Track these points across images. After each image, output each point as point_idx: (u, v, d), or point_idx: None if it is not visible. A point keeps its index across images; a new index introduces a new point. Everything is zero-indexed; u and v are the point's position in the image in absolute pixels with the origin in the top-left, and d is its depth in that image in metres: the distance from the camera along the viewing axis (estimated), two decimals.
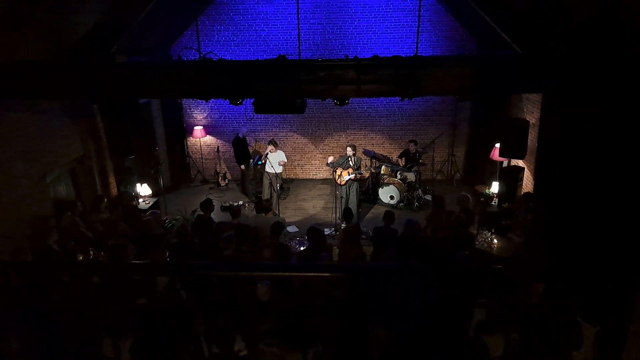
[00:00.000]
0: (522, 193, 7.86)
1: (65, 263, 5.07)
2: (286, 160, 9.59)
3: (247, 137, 10.74)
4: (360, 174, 8.78)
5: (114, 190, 8.46)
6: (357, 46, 10.47)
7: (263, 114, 10.62)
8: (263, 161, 9.30)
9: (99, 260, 5.88)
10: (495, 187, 8.34)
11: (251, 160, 10.59)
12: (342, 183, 8.79)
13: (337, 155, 9.60)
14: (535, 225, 6.19)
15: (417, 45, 6.44)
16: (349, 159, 8.63)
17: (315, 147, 11.64)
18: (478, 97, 5.14)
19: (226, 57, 8.71)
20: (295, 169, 11.92)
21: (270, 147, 9.09)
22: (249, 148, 10.85)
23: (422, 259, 5.75)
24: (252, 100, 5.46)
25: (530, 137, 7.00)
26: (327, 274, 4.07)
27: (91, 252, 6.06)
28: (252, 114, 5.92)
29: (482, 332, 4.49)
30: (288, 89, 4.95)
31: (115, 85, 5.26)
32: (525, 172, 8.22)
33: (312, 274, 4.07)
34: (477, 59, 5.30)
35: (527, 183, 8.23)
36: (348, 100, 5.28)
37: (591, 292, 3.95)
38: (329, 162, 8.84)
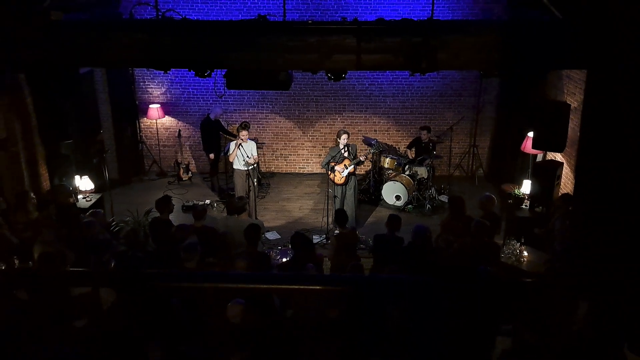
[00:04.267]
0: (560, 194, 7.96)
1: None
2: (256, 155, 9.17)
3: (219, 119, 10.71)
4: (360, 163, 8.79)
5: (45, 183, 8.41)
6: (357, 6, 10.49)
7: (237, 90, 10.72)
8: (232, 153, 8.89)
9: (26, 271, 5.85)
10: (526, 187, 8.42)
11: (225, 148, 10.57)
12: (342, 182, 8.80)
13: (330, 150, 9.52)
14: (574, 234, 6.27)
15: (432, 7, 6.49)
16: (343, 149, 8.65)
17: (304, 133, 11.67)
18: (507, 73, 5.19)
19: (191, 17, 8.69)
20: (277, 160, 11.93)
21: (244, 134, 8.89)
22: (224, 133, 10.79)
23: (434, 275, 5.81)
24: (223, 72, 5.46)
25: (571, 124, 7.07)
26: (318, 287, 4.10)
27: (16, 261, 6.02)
28: (224, 89, 5.91)
29: None
30: (269, 58, 4.96)
31: (48, 50, 5.22)
32: (564, 168, 8.32)
33: (299, 287, 4.10)
34: (508, 24, 5.37)
35: (567, 182, 8.33)
36: (345, 74, 5.31)
37: None
38: (323, 163, 8.83)
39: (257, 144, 9.80)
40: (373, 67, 5.09)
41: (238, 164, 8.99)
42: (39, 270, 5.43)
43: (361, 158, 8.68)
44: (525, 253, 6.72)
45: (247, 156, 8.84)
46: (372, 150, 9.51)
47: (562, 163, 8.30)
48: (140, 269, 5.71)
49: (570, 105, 7.19)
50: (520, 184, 8.64)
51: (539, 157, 9.03)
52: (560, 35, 5.06)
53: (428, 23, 4.92)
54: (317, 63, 4.99)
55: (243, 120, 10.90)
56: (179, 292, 4.85)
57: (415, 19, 5.07)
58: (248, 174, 8.86)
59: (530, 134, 7.99)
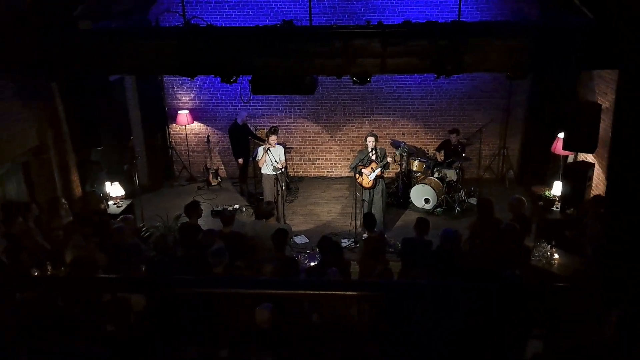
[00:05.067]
0: (592, 196, 7.81)
1: (17, 279, 5.19)
2: (284, 160, 9.24)
3: (247, 124, 10.82)
4: (387, 167, 8.78)
5: (77, 189, 8.59)
6: (384, 9, 10.50)
7: (263, 95, 10.82)
8: (261, 158, 8.95)
9: (58, 277, 6.00)
10: (557, 189, 8.30)
11: (253, 153, 10.65)
12: (369, 185, 8.80)
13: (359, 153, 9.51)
14: (607, 236, 6.16)
15: (459, 8, 6.43)
16: (371, 152, 8.65)
17: (331, 137, 11.70)
18: (537, 74, 5.14)
19: (218, 23, 8.83)
20: (305, 164, 12.00)
21: (273, 138, 8.94)
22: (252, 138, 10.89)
23: (464, 279, 5.77)
24: (249, 78, 5.53)
25: (602, 125, 6.95)
26: (349, 293, 4.11)
27: (49, 267, 6.17)
28: (250, 94, 6.00)
29: None
30: (294, 63, 5.01)
31: (79, 59, 5.37)
32: (595, 169, 8.17)
33: (327, 292, 4.12)
34: (537, 27, 5.31)
35: (598, 183, 8.17)
36: (370, 78, 5.32)
37: None
38: (351, 166, 8.84)
39: (285, 148, 9.88)
40: (398, 71, 5.10)
41: (266, 169, 9.05)
42: (71, 275, 5.56)
43: (388, 159, 8.66)
44: (556, 256, 6.62)
45: (276, 161, 8.87)
46: (398, 153, 9.48)
47: (594, 164, 8.15)
48: (169, 274, 5.82)
49: (601, 105, 7.07)
50: (551, 186, 8.52)
51: (570, 159, 8.88)
52: (591, 36, 4.99)
53: (453, 25, 4.91)
54: (341, 67, 5.03)
55: (271, 124, 11.00)
56: (206, 296, 4.91)
57: (443, 20, 5.06)
58: (276, 178, 8.91)
59: (561, 135, 7.88)
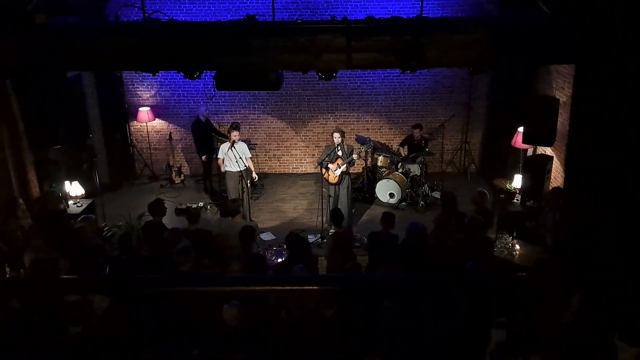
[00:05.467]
0: (551, 188, 8.03)
1: None
2: (250, 156, 9.30)
3: (210, 120, 10.71)
4: (352, 164, 8.84)
5: (35, 189, 8.38)
6: (346, 4, 10.53)
7: (227, 91, 10.72)
8: (220, 158, 8.94)
9: (18, 279, 5.85)
10: (518, 181, 8.50)
11: (217, 149, 10.56)
12: (335, 181, 8.83)
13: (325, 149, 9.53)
14: (565, 227, 6.35)
15: (421, 4, 6.52)
16: (337, 147, 8.69)
17: (296, 133, 11.69)
18: (497, 69, 5.25)
19: (179, 18, 8.69)
20: (270, 161, 11.96)
21: (235, 134, 8.86)
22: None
23: (429, 271, 5.87)
24: (212, 74, 5.47)
25: (560, 118, 7.16)
26: (314, 287, 4.14)
27: (7, 269, 6.01)
28: (214, 90, 5.94)
29: (501, 357, 4.62)
30: (259, 59, 4.98)
31: (34, 54, 5.21)
32: (554, 162, 8.40)
33: (294, 288, 4.13)
34: (496, 21, 5.42)
35: (557, 176, 8.40)
36: (336, 73, 5.33)
37: (632, 307, 4.09)
38: (318, 161, 8.86)
39: (249, 144, 9.82)
40: (363, 66, 5.12)
41: (230, 166, 8.98)
42: (31, 277, 5.43)
43: (354, 156, 8.71)
44: (518, 247, 6.80)
45: (239, 157, 8.84)
46: (364, 149, 9.53)
47: (552, 157, 8.38)
48: (134, 274, 5.73)
49: (559, 99, 7.28)
50: (511, 179, 8.72)
51: (530, 152, 9.10)
52: (548, 30, 5.11)
53: (417, 21, 4.96)
54: (307, 63, 5.02)
55: (234, 121, 10.92)
56: (173, 295, 4.86)
57: (405, 16, 5.11)
58: (241, 175, 8.86)
59: (521, 129, 8.06)
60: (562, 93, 8.11)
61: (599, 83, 5.43)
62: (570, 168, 7.64)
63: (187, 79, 5.37)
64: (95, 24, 5.68)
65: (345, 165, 8.69)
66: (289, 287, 3.97)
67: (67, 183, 8.70)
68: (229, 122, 11.17)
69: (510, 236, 6.91)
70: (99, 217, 8.66)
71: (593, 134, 5.60)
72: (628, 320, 4.23)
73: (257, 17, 5.15)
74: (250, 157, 9.35)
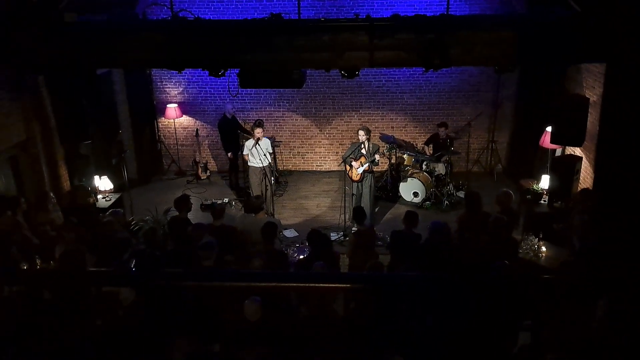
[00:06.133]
0: (579, 189, 7.88)
1: (6, 274, 5.17)
2: (272, 151, 9.48)
3: (236, 117, 10.79)
4: (375, 163, 8.81)
5: (65, 183, 8.56)
6: (372, 2, 10.49)
7: (251, 89, 10.77)
8: (247, 152, 9.10)
9: (48, 271, 5.98)
10: (545, 182, 8.36)
11: (242, 146, 10.64)
12: (357, 178, 8.83)
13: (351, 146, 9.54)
14: (594, 230, 6.21)
15: (447, 1, 6.46)
16: (362, 145, 8.67)
17: (320, 130, 11.70)
18: (524, 68, 5.17)
19: (206, 16, 8.76)
20: (294, 158, 12.00)
21: (258, 131, 9.01)
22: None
23: (452, 271, 5.81)
24: (237, 71, 5.52)
25: (590, 118, 7.00)
26: (338, 285, 4.14)
27: (38, 261, 6.15)
28: (238, 88, 5.98)
29: None
30: (282, 57, 5.01)
31: (65, 52, 5.33)
32: (583, 162, 8.23)
33: (316, 285, 4.14)
34: (523, 19, 5.33)
35: (586, 177, 8.24)
36: (358, 71, 5.32)
37: None
38: (343, 156, 8.88)
39: (274, 142, 9.87)
40: (386, 64, 5.10)
41: (254, 161, 9.07)
42: (61, 269, 5.55)
43: (376, 157, 8.67)
44: (544, 249, 6.69)
45: (264, 154, 8.93)
46: (386, 151, 9.42)
47: (581, 157, 8.21)
48: (158, 268, 5.81)
49: (589, 99, 7.12)
50: (539, 179, 8.59)
51: (558, 152, 8.94)
52: (578, 28, 5.02)
53: (441, 19, 4.92)
54: (329, 61, 5.03)
55: (260, 118, 10.99)
56: (196, 289, 4.92)
57: (431, 14, 5.07)
58: (264, 171, 8.93)
59: (549, 129, 7.91)
60: (593, 92, 7.94)
61: (630, 82, 5.31)
62: (599, 169, 7.45)
63: (213, 77, 5.43)
64: (123, 22, 5.76)
65: (367, 164, 8.66)
66: (308, 284, 3.97)
67: (96, 178, 8.87)
68: (254, 120, 11.26)
69: (536, 238, 6.80)
70: (126, 211, 8.77)
71: (624, 135, 5.47)
72: None
73: (282, 15, 5.18)
74: (270, 153, 9.45)
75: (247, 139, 9.60)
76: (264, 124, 9.47)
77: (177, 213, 7.10)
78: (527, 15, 6.14)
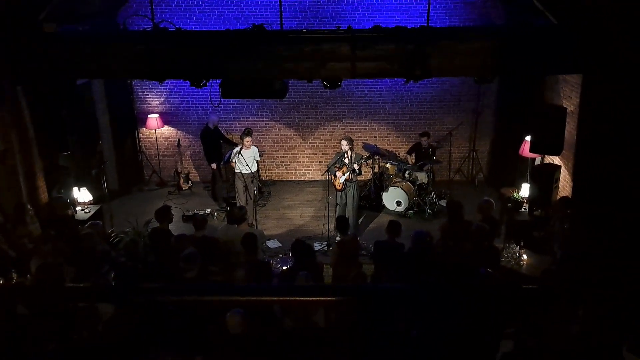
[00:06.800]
0: (559, 197, 7.96)
1: None
2: (259, 159, 9.68)
3: (219, 128, 10.75)
4: (358, 173, 8.82)
5: (43, 195, 8.41)
6: (354, 14, 10.55)
7: (233, 99, 10.77)
8: (233, 160, 9.26)
9: (24, 285, 5.87)
10: (525, 191, 8.44)
11: (225, 156, 10.62)
12: (339, 187, 8.84)
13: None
14: (573, 237, 6.29)
15: (428, 13, 6.50)
16: (344, 155, 8.68)
17: (304, 140, 11.71)
18: (502, 78, 5.23)
19: (188, 27, 8.75)
20: (277, 168, 11.98)
21: (247, 140, 9.14)
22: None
23: (435, 279, 5.82)
24: (219, 82, 5.51)
25: (568, 127, 7.10)
26: (320, 298, 4.11)
27: (14, 275, 6.03)
28: (219, 98, 5.96)
29: None
30: (264, 67, 5.01)
31: (44, 62, 5.28)
32: (562, 171, 8.33)
33: (299, 299, 4.11)
34: (501, 30, 5.42)
35: (565, 185, 8.33)
36: (341, 82, 5.35)
37: None
38: (328, 165, 8.90)
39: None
40: (368, 75, 5.14)
41: (240, 168, 9.19)
42: (37, 283, 5.44)
43: (355, 167, 8.69)
44: (525, 256, 6.75)
45: (246, 164, 8.96)
46: (363, 160, 9.36)
47: (560, 166, 8.30)
48: (139, 281, 5.74)
49: (566, 108, 7.22)
50: (519, 188, 8.66)
51: (537, 161, 9.03)
52: (555, 40, 5.11)
53: (421, 30, 4.97)
54: (311, 71, 5.05)
55: (243, 128, 10.96)
56: (177, 303, 4.86)
57: (412, 25, 5.12)
58: (245, 183, 8.98)
59: (528, 138, 8.01)
60: (570, 102, 8.05)
61: (606, 92, 5.41)
62: (578, 177, 7.57)
63: (194, 87, 5.41)
64: (103, 32, 5.73)
65: (347, 174, 8.69)
66: (291, 298, 3.94)
67: (75, 189, 8.74)
68: (237, 130, 11.26)
69: (517, 246, 6.86)
70: (106, 223, 8.68)
71: (600, 143, 5.58)
72: (637, 332, 4.17)
73: (264, 26, 5.18)
74: (258, 161, 9.62)
75: (231, 149, 9.62)
76: (252, 132, 9.54)
77: (158, 224, 7.02)
78: (506, 27, 6.24)
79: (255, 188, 9.42)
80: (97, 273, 6.04)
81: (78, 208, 8.61)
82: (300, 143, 11.73)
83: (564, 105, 8.04)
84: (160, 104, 11.41)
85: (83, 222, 8.02)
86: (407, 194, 9.83)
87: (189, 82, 5.40)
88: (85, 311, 5.01)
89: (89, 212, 8.58)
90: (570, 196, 7.66)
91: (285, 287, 5.53)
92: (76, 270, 6.07)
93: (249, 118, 11.49)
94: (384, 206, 10.21)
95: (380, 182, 10.69)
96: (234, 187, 9.67)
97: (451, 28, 8.80)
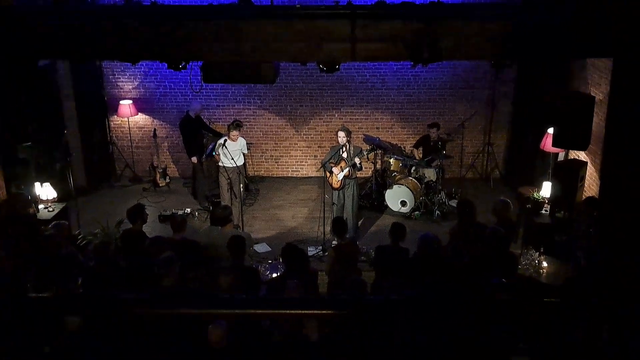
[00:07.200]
0: (584, 197, 8.00)
1: None
2: (247, 152, 9.70)
3: (201, 116, 10.73)
4: (358, 168, 8.83)
5: (1, 192, 8.41)
6: None
7: (217, 84, 10.73)
8: (218, 152, 9.30)
9: None
10: (546, 190, 8.47)
11: (207, 149, 10.61)
12: (337, 185, 8.84)
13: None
14: (600, 242, 6.31)
15: None
16: (342, 148, 8.69)
17: (297, 131, 11.72)
18: (523, 63, 5.24)
19: (164, 1, 8.69)
20: (266, 162, 11.99)
21: (234, 134, 9.18)
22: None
23: (442, 289, 5.85)
24: (199, 64, 5.49)
25: (596, 119, 7.12)
26: (315, 312, 4.11)
27: None
28: (201, 83, 5.95)
29: None
30: (251, 48, 4.99)
31: (1, 41, 5.24)
32: (588, 168, 8.36)
33: (290, 312, 4.11)
34: (521, 8, 5.40)
35: (591, 183, 8.37)
36: (339, 65, 5.34)
37: None
38: (322, 162, 8.90)
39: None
40: (370, 58, 5.13)
41: (225, 161, 9.21)
42: None
43: (356, 161, 8.68)
44: (545, 264, 6.79)
45: (232, 157, 8.98)
46: (365, 152, 9.39)
47: (586, 162, 8.34)
48: (110, 288, 5.75)
49: (594, 97, 7.23)
50: (539, 187, 8.69)
51: (561, 156, 9.06)
52: (582, 19, 5.09)
53: (431, 7, 4.96)
54: (305, 53, 5.03)
55: (227, 117, 10.99)
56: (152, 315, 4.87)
57: (420, 1, 5.11)
58: (230, 179, 9.00)
59: (551, 130, 8.03)
60: (599, 90, 8.08)
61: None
62: (606, 175, 7.59)
63: (172, 70, 5.40)
64: (67, 6, 5.70)
65: (347, 169, 8.68)
66: (281, 311, 3.94)
67: (37, 185, 8.72)
68: (221, 119, 11.27)
69: (537, 252, 6.89)
70: (72, 224, 8.68)
71: (633, 137, 5.57)
72: None
73: (251, 0, 5.17)
74: (245, 154, 9.68)
75: (214, 140, 9.62)
76: (242, 125, 9.58)
77: (131, 225, 7.03)
78: (526, 4, 6.23)
79: (241, 185, 9.42)
80: (62, 280, 6.04)
81: (40, 206, 8.60)
82: (293, 135, 11.74)
83: (592, 94, 8.07)
84: (133, 88, 11.40)
85: (46, 222, 8.00)
86: (413, 192, 9.85)
87: (166, 65, 5.37)
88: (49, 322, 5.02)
89: (53, 210, 8.58)
90: (597, 196, 7.69)
91: (274, 300, 5.54)
92: (37, 277, 6.08)
93: (234, 106, 11.50)
94: (386, 206, 10.23)
95: (383, 180, 10.71)
96: (218, 183, 9.69)
97: (465, 4, 8.76)
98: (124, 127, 11.62)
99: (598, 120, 7.53)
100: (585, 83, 8.55)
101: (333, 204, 8.97)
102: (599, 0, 5.22)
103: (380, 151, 10.52)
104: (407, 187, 9.88)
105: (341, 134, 8.71)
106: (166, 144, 11.80)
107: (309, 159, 11.89)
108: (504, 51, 5.07)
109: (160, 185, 11.26)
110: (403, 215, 9.93)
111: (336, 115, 11.56)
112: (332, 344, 4.96)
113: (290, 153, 11.92)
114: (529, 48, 5.08)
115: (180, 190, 11.32)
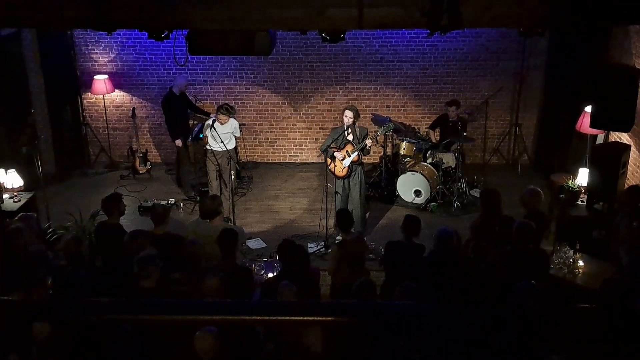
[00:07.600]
0: (626, 187, 7.98)
1: None
2: (239, 135, 9.69)
3: (186, 93, 10.70)
4: (366, 152, 8.79)
5: None
6: None
7: (205, 56, 10.69)
8: (205, 134, 9.29)
9: None
10: (583, 178, 8.45)
11: (194, 131, 10.59)
12: (343, 173, 8.79)
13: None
14: None
15: None
16: (347, 130, 8.64)
17: (295, 110, 11.70)
18: (556, 30, 5.19)
19: None
20: (261, 146, 11.99)
21: (223, 118, 9.15)
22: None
23: (463, 293, 5.84)
24: (185, 33, 5.46)
25: None
26: (317, 318, 4.11)
27: None
28: (186, 55, 5.92)
29: None
30: (241, 14, 4.96)
31: None
32: (631, 152, 8.33)
33: (287, 319, 4.10)
34: None
35: (635, 170, 8.35)
36: (344, 34, 5.30)
37: None
38: (322, 148, 8.87)
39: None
40: (379, 25, 5.12)
41: (213, 144, 9.22)
42: None
43: (367, 142, 8.63)
44: (581, 263, 6.77)
45: (221, 140, 8.97)
46: (380, 132, 9.37)
47: (629, 146, 8.31)
48: (82, 290, 5.75)
49: (639, 70, 7.19)
50: (575, 174, 8.67)
51: (600, 139, 9.03)
52: None
53: None
54: (305, 20, 5.00)
55: (216, 94, 10.94)
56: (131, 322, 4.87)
57: None
58: (219, 165, 8.99)
59: (589, 109, 7.98)
60: None
61: None
62: None
63: (154, 40, 5.38)
64: None
65: (356, 153, 8.63)
66: (277, 318, 3.92)
67: (1, 171, 8.74)
68: (209, 95, 11.27)
69: (571, 249, 6.87)
70: (41, 216, 8.68)
71: None
72: None
73: None
74: (238, 137, 9.76)
75: (201, 120, 9.62)
76: (233, 109, 9.57)
77: (107, 218, 7.04)
78: None
79: (232, 172, 9.41)
80: (30, 281, 6.04)
81: (5, 196, 8.65)
82: (291, 114, 11.73)
83: (636, 66, 8.01)
84: (109, 61, 11.39)
85: (11, 213, 8.03)
86: (428, 181, 9.84)
87: (146, 34, 5.35)
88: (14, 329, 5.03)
89: (19, 201, 8.63)
90: None
91: (270, 304, 5.54)
92: (2, 277, 6.08)
93: (224, 81, 11.49)
94: (398, 197, 10.24)
95: (394, 166, 10.70)
96: (206, 170, 9.68)
97: None
98: (99, 106, 11.62)
99: None
100: (629, 54, 8.49)
101: (336, 193, 8.94)
102: None
103: (391, 133, 10.47)
104: (421, 174, 9.86)
105: (349, 113, 8.61)
106: (147, 125, 11.80)
107: (309, 142, 11.89)
108: (536, 17, 5.03)
109: (140, 172, 11.28)
110: (417, 206, 9.93)
111: (340, 92, 11.53)
112: (335, 356, 4.95)
113: (287, 135, 11.91)
114: (565, 13, 5.03)
115: (163, 178, 11.34)
